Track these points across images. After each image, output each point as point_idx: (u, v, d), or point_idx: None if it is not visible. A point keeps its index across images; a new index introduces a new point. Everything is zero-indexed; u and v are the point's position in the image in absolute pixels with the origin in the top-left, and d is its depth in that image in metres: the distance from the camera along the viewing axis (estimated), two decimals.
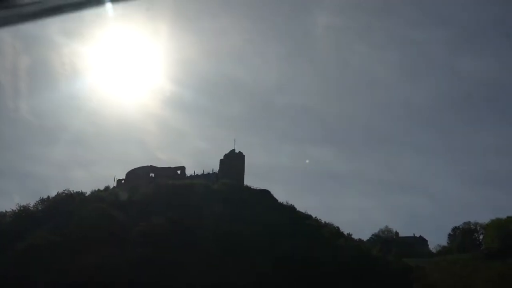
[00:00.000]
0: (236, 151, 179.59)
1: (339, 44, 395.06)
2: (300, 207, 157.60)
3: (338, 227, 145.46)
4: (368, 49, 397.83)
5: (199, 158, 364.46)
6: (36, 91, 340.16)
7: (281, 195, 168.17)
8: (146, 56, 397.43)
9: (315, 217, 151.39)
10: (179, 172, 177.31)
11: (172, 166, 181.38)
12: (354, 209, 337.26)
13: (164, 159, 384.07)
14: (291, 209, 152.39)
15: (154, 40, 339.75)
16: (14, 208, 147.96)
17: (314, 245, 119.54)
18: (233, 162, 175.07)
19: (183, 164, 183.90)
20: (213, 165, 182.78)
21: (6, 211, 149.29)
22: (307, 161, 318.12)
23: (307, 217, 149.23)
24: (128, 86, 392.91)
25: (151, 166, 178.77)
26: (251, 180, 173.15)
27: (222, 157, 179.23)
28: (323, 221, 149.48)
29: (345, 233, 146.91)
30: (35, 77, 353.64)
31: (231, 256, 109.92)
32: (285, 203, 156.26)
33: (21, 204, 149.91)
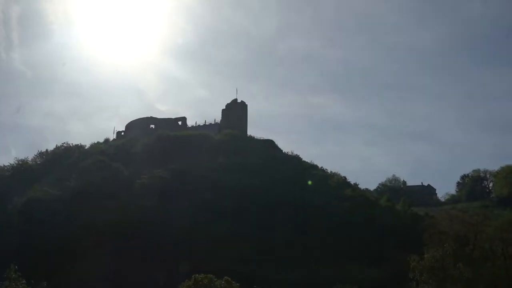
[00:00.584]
0: (238, 100, 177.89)
1: None
2: (305, 157, 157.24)
3: (344, 177, 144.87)
4: None
5: (200, 108, 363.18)
6: (29, 41, 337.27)
7: (284, 145, 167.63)
8: (142, 3, 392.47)
9: (321, 167, 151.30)
10: (180, 123, 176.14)
11: (173, 117, 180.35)
12: (359, 158, 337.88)
13: (163, 110, 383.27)
14: (296, 159, 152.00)
15: None
16: (12, 162, 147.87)
17: (321, 195, 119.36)
18: (236, 111, 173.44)
19: (183, 115, 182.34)
20: (215, 115, 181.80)
21: (4, 166, 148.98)
22: None
23: (313, 167, 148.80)
24: (124, 34, 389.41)
25: (151, 117, 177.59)
26: (254, 130, 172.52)
27: (224, 107, 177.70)
28: (329, 171, 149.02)
29: (352, 183, 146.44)
30: (27, 26, 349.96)
31: (235, 207, 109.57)
32: (290, 153, 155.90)
33: (19, 158, 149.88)
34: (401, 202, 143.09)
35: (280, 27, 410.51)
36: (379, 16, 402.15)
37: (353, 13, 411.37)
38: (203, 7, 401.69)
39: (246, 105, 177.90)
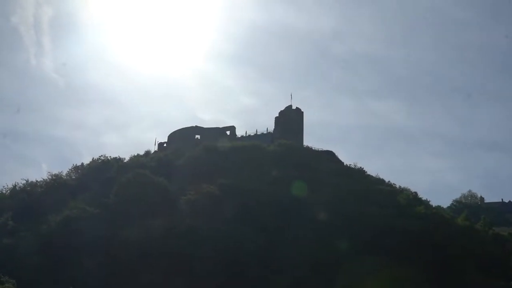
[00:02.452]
0: (293, 107, 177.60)
1: None
2: (370, 170, 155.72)
3: (415, 193, 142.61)
4: None
5: (248, 117, 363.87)
6: (61, 46, 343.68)
7: (344, 156, 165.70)
8: (183, 4, 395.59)
9: (388, 181, 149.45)
10: (228, 132, 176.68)
11: (219, 126, 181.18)
12: (426, 171, 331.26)
13: (207, 119, 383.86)
14: (360, 172, 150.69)
15: None
16: (44, 178, 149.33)
17: (389, 213, 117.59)
18: (290, 119, 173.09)
19: (229, 124, 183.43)
20: (266, 124, 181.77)
21: (36, 181, 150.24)
22: None
23: (379, 181, 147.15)
24: (164, 38, 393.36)
25: (196, 126, 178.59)
26: (307, 139, 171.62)
27: (277, 115, 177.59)
28: (397, 186, 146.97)
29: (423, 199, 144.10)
30: (59, 30, 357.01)
31: (291, 225, 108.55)
32: (352, 165, 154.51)
33: (53, 173, 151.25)
34: (481, 221, 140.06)
35: (336, 26, 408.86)
36: (446, 12, 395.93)
37: (418, 9, 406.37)
38: (251, 7, 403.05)
39: (302, 112, 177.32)
